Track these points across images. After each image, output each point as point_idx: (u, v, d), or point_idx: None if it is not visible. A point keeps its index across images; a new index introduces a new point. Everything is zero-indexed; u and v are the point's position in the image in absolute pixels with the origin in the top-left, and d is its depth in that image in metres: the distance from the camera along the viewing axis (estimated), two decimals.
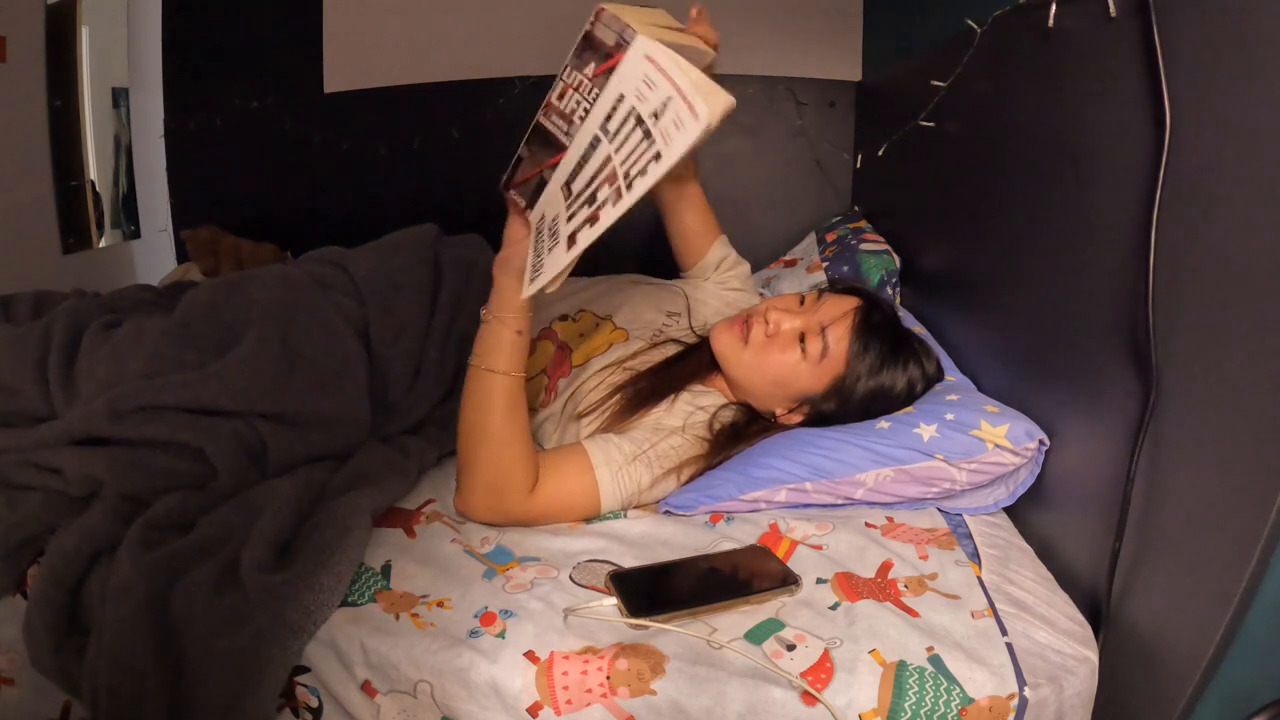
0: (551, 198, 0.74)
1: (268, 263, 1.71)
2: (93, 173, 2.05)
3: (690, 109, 0.59)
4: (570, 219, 0.69)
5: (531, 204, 0.78)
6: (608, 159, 0.67)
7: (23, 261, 1.78)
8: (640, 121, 0.64)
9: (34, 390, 0.86)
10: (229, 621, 0.66)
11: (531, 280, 0.71)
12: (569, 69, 0.71)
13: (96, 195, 2.09)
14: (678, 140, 0.60)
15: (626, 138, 0.66)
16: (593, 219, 0.66)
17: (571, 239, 0.68)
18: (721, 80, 0.64)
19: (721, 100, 0.60)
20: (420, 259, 1.06)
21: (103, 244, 2.13)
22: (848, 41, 1.77)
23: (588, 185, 0.69)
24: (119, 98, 2.16)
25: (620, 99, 0.67)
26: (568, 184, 0.72)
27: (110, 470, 0.78)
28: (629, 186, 0.63)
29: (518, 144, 0.77)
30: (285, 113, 1.97)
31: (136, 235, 2.25)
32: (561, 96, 0.73)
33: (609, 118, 0.68)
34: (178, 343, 0.87)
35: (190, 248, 1.86)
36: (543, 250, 0.72)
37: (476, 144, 1.87)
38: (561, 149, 0.73)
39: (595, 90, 0.70)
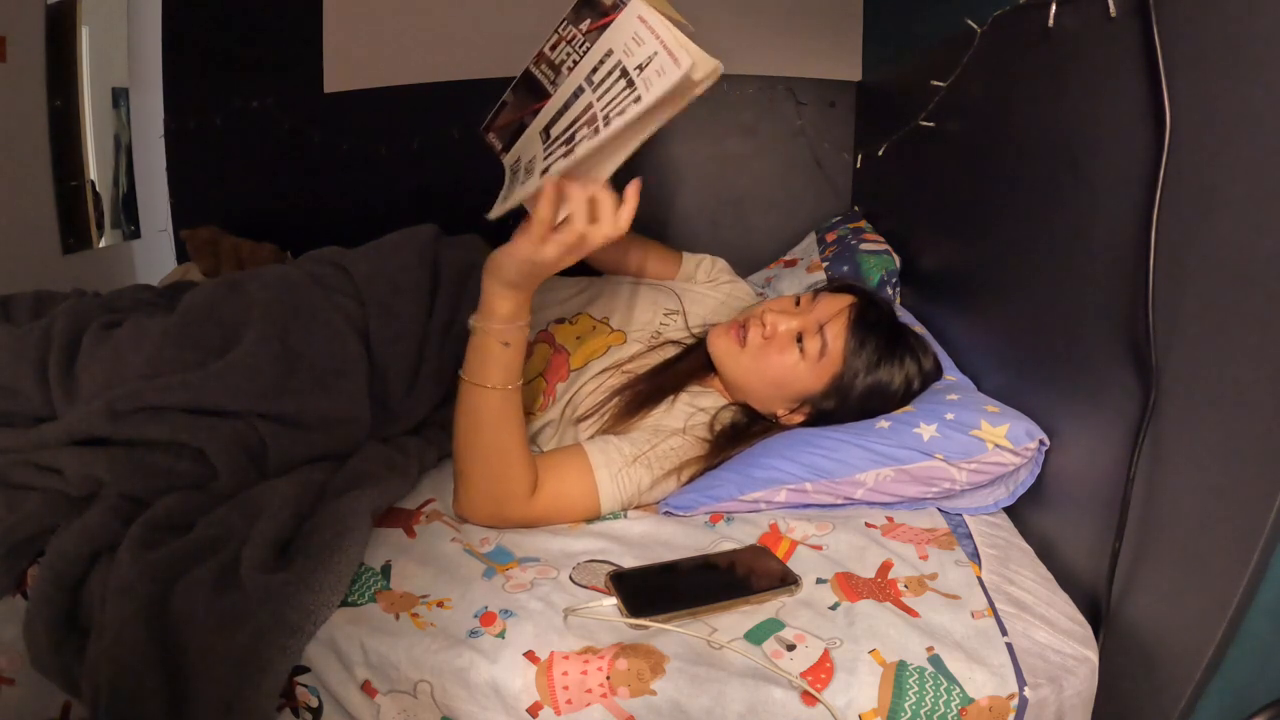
0: (529, 141, 0.77)
1: (268, 263, 1.71)
2: (93, 173, 2.05)
3: (673, 58, 0.61)
4: (547, 158, 0.72)
5: (508, 148, 0.81)
6: (589, 106, 0.70)
7: (23, 261, 1.77)
8: (625, 74, 0.66)
9: (34, 390, 0.85)
10: (229, 621, 0.66)
11: (501, 204, 0.75)
12: (565, 23, 0.74)
13: (96, 195, 2.08)
14: (657, 85, 0.61)
15: (610, 88, 0.68)
16: (568, 153, 0.68)
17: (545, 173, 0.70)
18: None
19: (707, 60, 0.62)
20: (420, 260, 1.06)
21: (103, 244, 2.12)
22: (848, 41, 1.77)
23: (567, 130, 0.71)
24: (119, 98, 2.16)
25: (609, 54, 0.69)
26: (547, 129, 0.74)
27: (110, 470, 0.78)
28: (606, 123, 0.65)
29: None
30: (285, 113, 1.97)
31: (136, 235, 2.25)
32: (554, 48, 0.75)
33: (595, 70, 0.70)
34: (178, 343, 0.87)
35: (190, 248, 1.86)
36: (516, 187, 0.75)
37: (476, 144, 1.85)
38: (546, 96, 0.76)
39: (586, 44, 0.72)
